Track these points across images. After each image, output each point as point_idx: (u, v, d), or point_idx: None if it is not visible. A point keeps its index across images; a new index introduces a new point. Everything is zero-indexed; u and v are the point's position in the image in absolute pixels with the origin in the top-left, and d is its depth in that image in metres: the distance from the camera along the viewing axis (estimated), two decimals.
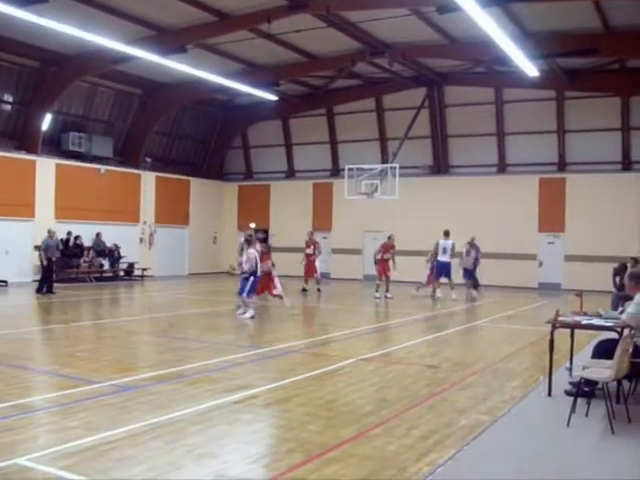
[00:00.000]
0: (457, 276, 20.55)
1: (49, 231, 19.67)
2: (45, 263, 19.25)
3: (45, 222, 22.20)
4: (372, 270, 21.64)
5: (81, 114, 25.69)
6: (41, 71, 23.24)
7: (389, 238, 20.50)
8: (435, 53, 22.57)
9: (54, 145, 24.65)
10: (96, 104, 25.97)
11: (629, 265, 14.44)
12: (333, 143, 29.63)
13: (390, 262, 20.13)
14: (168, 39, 20.39)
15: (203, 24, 19.83)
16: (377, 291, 19.92)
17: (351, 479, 4.93)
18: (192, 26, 20.02)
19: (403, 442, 5.80)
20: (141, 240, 27.51)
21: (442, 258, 19.68)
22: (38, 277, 20.20)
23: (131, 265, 26.31)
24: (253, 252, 14.54)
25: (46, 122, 23.71)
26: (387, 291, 19.93)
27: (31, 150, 23.35)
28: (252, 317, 14.22)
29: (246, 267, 14.45)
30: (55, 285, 19.63)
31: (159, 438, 5.79)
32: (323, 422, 6.41)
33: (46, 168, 23.66)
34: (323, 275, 29.25)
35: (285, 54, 22.91)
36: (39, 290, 19.11)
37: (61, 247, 21.54)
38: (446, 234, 19.78)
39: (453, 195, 26.40)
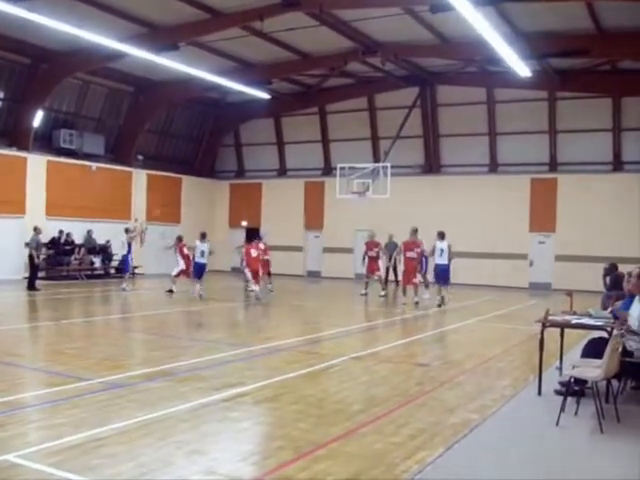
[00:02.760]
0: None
1: (36, 228, 19.66)
2: (37, 261, 19.23)
3: (36, 219, 22.09)
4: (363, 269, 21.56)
5: (73, 111, 25.57)
6: (32, 68, 23.11)
7: (370, 236, 20.18)
8: (427, 52, 22.61)
9: (45, 142, 24.51)
10: (88, 101, 25.86)
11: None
12: (325, 142, 29.62)
13: (380, 261, 20.10)
14: (160, 36, 20.34)
15: (195, 21, 19.78)
16: (365, 288, 19.95)
17: (340, 477, 4.93)
18: (184, 23, 19.97)
19: (393, 440, 5.82)
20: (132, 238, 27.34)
21: (441, 261, 17.39)
22: (27, 274, 20.10)
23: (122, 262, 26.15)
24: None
25: (37, 119, 23.57)
26: (383, 289, 19.83)
27: (22, 147, 23.19)
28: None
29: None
30: (46, 282, 19.56)
31: (149, 435, 5.78)
32: (313, 420, 6.41)
33: (37, 165, 23.52)
34: (315, 273, 29.39)
35: (278, 52, 22.87)
36: (30, 287, 19.06)
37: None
38: (442, 236, 17.46)
39: (444, 195, 26.43)
